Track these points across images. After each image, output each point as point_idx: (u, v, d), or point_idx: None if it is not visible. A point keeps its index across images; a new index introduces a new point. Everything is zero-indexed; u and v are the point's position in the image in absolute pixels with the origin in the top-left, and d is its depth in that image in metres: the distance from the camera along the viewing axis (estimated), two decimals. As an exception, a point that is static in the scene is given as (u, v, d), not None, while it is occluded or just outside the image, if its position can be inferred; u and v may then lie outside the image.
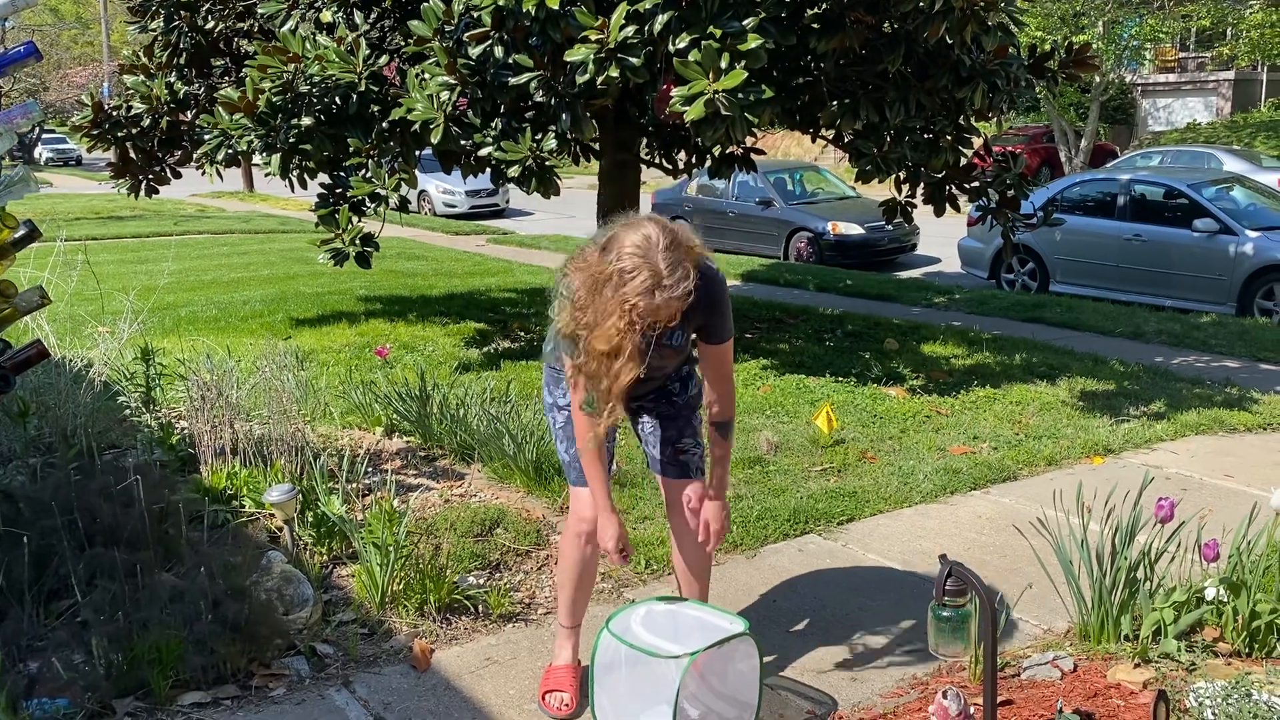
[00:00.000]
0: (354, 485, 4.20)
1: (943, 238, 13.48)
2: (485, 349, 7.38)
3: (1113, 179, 11.03)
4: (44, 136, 41.22)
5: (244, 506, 3.90)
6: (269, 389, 4.76)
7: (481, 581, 3.61)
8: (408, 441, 5.11)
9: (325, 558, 3.73)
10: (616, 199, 7.71)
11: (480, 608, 3.42)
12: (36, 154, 40.84)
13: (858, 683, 3.02)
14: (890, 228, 13.19)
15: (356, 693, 2.99)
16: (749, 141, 7.00)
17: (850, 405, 5.74)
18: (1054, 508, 4.28)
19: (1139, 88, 29.37)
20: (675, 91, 4.97)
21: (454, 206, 20.47)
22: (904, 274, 12.51)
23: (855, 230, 13.11)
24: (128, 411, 4.74)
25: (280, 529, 3.68)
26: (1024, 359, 6.91)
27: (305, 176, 6.82)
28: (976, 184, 6.87)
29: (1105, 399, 5.95)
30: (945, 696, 2.29)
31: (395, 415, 5.18)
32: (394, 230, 13.69)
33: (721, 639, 2.64)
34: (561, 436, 2.87)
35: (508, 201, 21.32)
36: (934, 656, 3.09)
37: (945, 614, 2.30)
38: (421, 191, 20.58)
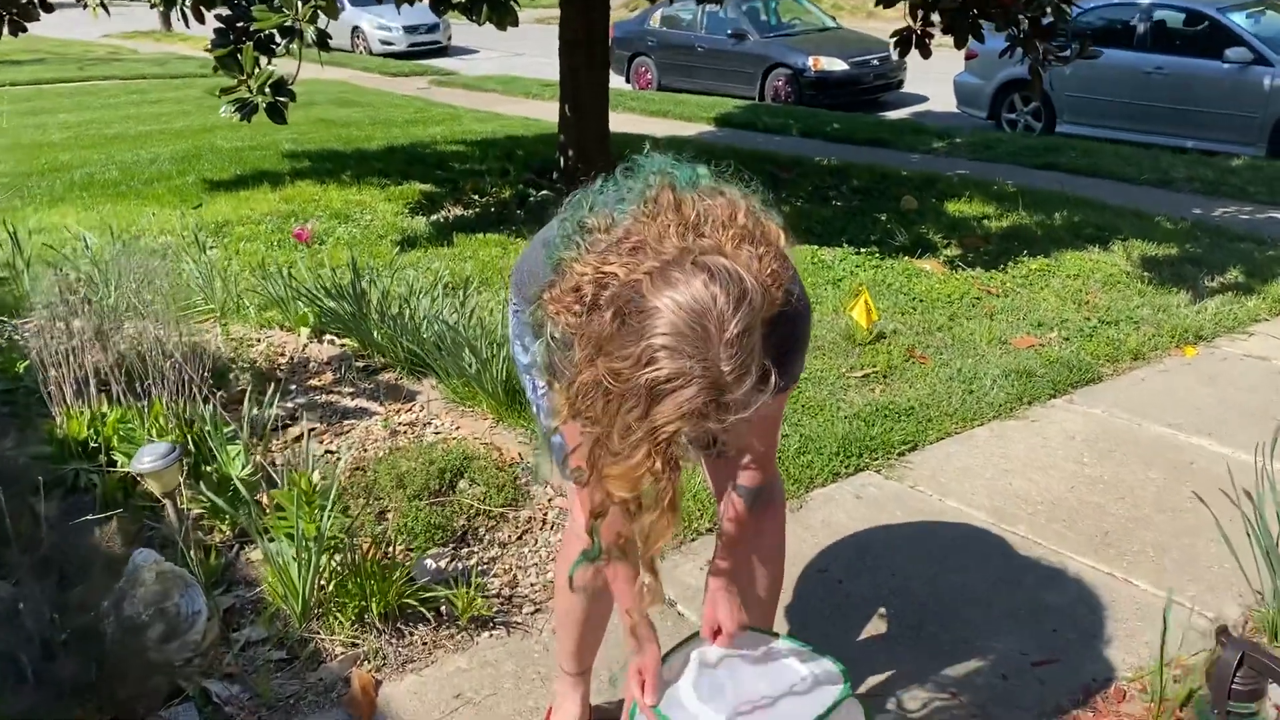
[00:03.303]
0: (271, 412, 3.19)
1: (932, 73, 12.23)
2: (433, 217, 6.24)
3: (1131, 3, 9.84)
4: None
5: (115, 463, 2.88)
6: (158, 282, 3.69)
7: (444, 565, 2.66)
8: (342, 346, 4.08)
9: (228, 534, 2.76)
10: (581, 30, 6.50)
11: (443, 608, 2.49)
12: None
13: None
14: (876, 63, 12.01)
15: (270, 763, 2.08)
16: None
17: (881, 285, 4.75)
18: (1158, 421, 3.43)
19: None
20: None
21: (391, 45, 18.71)
22: (892, 114, 11.35)
23: (838, 66, 11.82)
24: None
25: (162, 502, 2.68)
26: (1065, 218, 5.93)
27: (201, 8, 5.52)
28: (1005, 7, 5.72)
29: (1171, 267, 5.04)
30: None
31: (324, 317, 4.13)
32: (322, 72, 12.17)
33: (824, 712, 1.74)
34: (544, 408, 1.86)
35: (449, 38, 19.51)
36: (1074, 669, 2.24)
37: (1224, 722, 1.40)
38: (355, 28, 18.77)
